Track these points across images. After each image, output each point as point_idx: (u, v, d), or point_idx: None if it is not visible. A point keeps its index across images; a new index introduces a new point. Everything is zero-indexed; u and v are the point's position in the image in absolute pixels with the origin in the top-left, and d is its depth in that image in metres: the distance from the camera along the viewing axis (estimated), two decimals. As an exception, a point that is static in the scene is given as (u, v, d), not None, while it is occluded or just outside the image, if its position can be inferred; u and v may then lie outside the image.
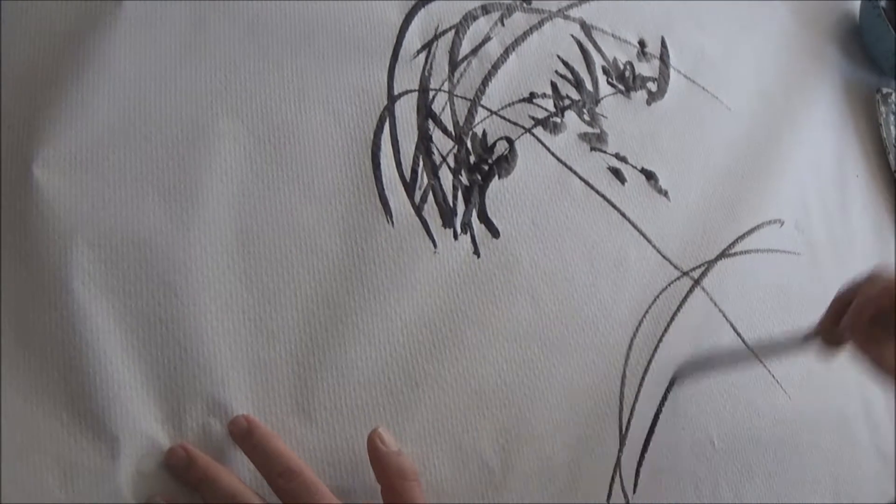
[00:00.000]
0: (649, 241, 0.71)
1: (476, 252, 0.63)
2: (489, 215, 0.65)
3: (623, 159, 0.73)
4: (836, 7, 1.02)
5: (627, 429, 0.64)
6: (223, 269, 0.56)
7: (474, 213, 0.64)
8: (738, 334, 0.72)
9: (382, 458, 0.52)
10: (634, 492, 0.63)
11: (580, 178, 0.70)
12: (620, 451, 0.63)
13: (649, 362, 0.67)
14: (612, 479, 0.62)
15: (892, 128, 0.97)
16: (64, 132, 0.54)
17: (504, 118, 0.69)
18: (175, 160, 0.57)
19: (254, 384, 0.54)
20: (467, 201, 0.64)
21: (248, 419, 0.51)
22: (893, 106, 0.99)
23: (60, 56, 0.56)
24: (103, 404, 0.49)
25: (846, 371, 0.74)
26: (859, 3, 1.01)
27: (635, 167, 0.73)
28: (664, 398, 0.67)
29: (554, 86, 0.72)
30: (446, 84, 0.67)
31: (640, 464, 0.64)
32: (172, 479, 0.49)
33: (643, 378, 0.66)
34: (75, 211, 0.52)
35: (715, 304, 0.71)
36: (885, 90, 0.98)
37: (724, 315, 0.72)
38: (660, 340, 0.68)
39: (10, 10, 0.56)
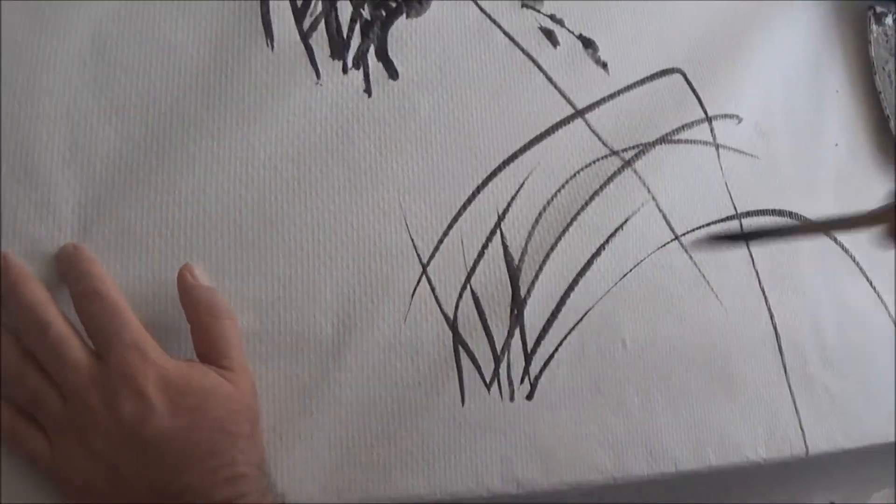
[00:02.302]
0: (576, 110, 0.62)
1: (367, 90, 0.56)
2: (389, 54, 0.57)
3: (559, 21, 0.65)
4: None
5: (521, 312, 0.56)
6: (70, 73, 0.50)
7: (372, 49, 0.57)
8: (669, 225, 0.63)
9: (191, 292, 0.46)
10: (522, 382, 0.55)
11: (504, 32, 0.62)
12: (510, 336, 0.55)
13: (558, 240, 0.59)
14: (496, 371, 0.54)
15: (882, 50, 0.87)
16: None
17: (424, -43, 0.60)
18: None
19: (84, 202, 0.49)
20: (365, 35, 0.57)
21: (76, 245, 0.46)
22: (888, 27, 0.89)
23: None
24: None
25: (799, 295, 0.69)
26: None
27: (572, 32, 0.65)
28: (573, 283, 0.58)
29: (489, -70, 0.64)
30: None
31: (531, 354, 0.55)
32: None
33: (548, 255, 0.58)
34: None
35: (647, 189, 0.63)
36: (878, 8, 0.89)
37: (655, 203, 0.63)
38: (574, 218, 0.60)
39: None
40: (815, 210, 0.72)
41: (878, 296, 0.76)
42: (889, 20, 0.88)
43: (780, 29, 0.78)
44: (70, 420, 0.41)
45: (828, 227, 0.66)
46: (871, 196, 0.76)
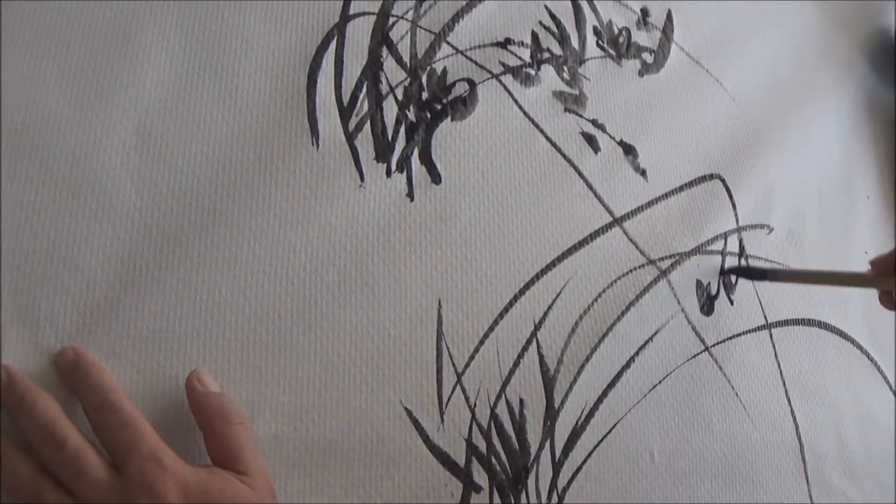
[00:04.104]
0: (615, 219, 0.62)
1: (410, 195, 0.56)
2: (433, 157, 0.57)
3: (601, 127, 0.65)
4: (872, 19, 0.93)
5: (554, 423, 0.56)
6: (115, 166, 0.49)
7: (416, 152, 0.57)
8: (699, 336, 0.63)
9: (200, 399, 0.46)
10: (549, 497, 0.54)
11: (546, 137, 0.62)
12: (541, 448, 0.55)
13: (593, 350, 0.59)
14: (524, 478, 0.54)
15: (915, 153, 0.88)
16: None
17: (470, 59, 0.61)
18: (93, 43, 0.52)
19: (117, 298, 0.48)
20: (410, 138, 0.57)
21: (76, 350, 0.45)
22: (920, 131, 0.90)
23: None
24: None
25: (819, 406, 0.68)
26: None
27: (613, 138, 0.65)
28: (604, 393, 0.58)
29: (535, 36, 0.65)
30: (411, 13, 0.60)
31: (560, 463, 0.55)
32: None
33: (582, 367, 0.58)
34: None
35: (678, 300, 0.62)
36: (911, 112, 0.89)
37: (685, 314, 0.63)
38: (610, 329, 0.59)
39: None
40: (843, 321, 0.72)
41: (901, 404, 0.76)
42: (920, 123, 0.88)
43: (815, 132, 0.79)
44: None
45: (840, 280, 0.68)
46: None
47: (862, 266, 0.72)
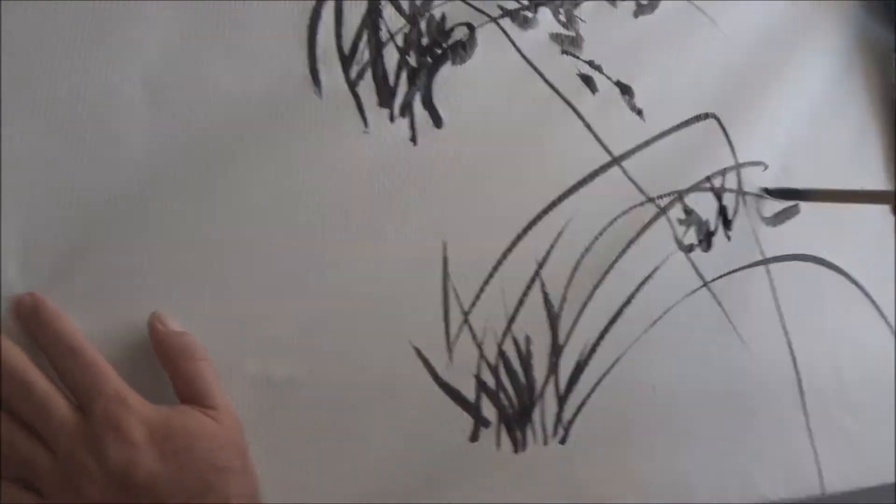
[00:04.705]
0: (613, 158, 0.63)
1: (413, 139, 0.57)
2: (434, 102, 0.58)
3: (597, 68, 0.66)
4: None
5: (559, 359, 0.57)
6: (123, 118, 0.50)
7: (418, 97, 0.58)
8: (698, 272, 0.64)
9: (163, 338, 0.46)
10: (556, 430, 0.56)
11: (545, 79, 0.63)
12: (546, 383, 0.57)
13: (595, 287, 0.60)
14: (530, 411, 0.56)
15: (908, 90, 0.89)
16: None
17: (469, 3, 0.62)
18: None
19: (132, 247, 0.48)
20: (411, 83, 0.58)
21: (35, 297, 0.45)
22: (912, 68, 0.91)
23: None
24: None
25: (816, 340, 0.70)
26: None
27: (610, 78, 0.66)
28: (606, 329, 0.60)
29: (531, -22, 0.65)
30: (408, -42, 0.60)
31: (564, 398, 0.57)
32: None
33: (585, 304, 0.59)
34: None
35: (676, 239, 0.64)
36: (905, 50, 0.90)
37: (684, 252, 0.64)
38: (611, 266, 0.61)
39: None
40: (840, 258, 0.74)
41: (896, 336, 0.78)
42: (913, 60, 0.89)
43: (807, 71, 0.80)
44: (62, 475, 0.42)
45: (866, 197, 0.72)
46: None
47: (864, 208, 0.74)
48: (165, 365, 0.46)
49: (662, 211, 0.65)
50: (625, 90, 0.67)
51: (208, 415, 0.45)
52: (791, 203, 0.74)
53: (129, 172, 0.49)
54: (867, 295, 0.77)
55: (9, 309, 0.44)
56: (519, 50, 0.63)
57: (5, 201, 0.45)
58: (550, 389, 0.58)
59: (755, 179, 0.72)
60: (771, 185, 0.72)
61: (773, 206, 0.73)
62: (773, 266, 0.71)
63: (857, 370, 0.75)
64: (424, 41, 0.59)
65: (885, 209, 0.79)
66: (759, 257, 0.70)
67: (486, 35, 0.62)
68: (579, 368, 0.59)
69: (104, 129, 0.48)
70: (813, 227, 0.75)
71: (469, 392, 0.56)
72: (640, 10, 0.70)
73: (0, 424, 0.42)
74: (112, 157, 0.49)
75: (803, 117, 0.78)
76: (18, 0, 0.48)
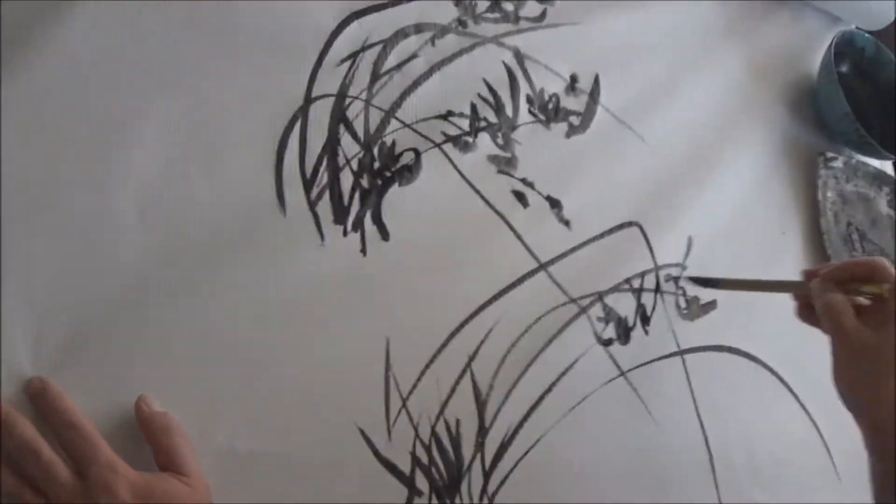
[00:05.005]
0: (540, 264, 0.74)
1: (363, 250, 0.68)
2: (382, 218, 0.69)
3: (530, 185, 0.77)
4: (793, 67, 1.05)
5: (484, 439, 0.68)
6: (118, 232, 0.60)
7: (368, 214, 0.69)
8: (616, 363, 0.75)
9: (147, 418, 0.57)
10: (481, 501, 0.67)
11: (482, 196, 0.74)
12: (473, 459, 0.67)
13: (519, 377, 0.70)
14: (458, 484, 0.66)
15: (831, 192, 0.99)
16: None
17: (416, 131, 0.73)
18: (96, 124, 0.60)
19: (124, 339, 0.59)
20: (363, 203, 0.69)
21: (42, 379, 0.55)
22: (837, 171, 1.01)
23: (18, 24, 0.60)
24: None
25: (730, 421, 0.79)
26: (818, 67, 1.03)
27: (541, 193, 0.77)
28: (528, 413, 0.70)
29: (473, 107, 0.76)
30: (364, 94, 0.72)
31: (489, 473, 0.68)
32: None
33: (510, 392, 0.70)
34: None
35: (595, 335, 0.74)
36: (829, 154, 1.00)
37: (602, 345, 0.75)
38: (534, 359, 0.71)
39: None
40: (758, 349, 0.84)
41: (808, 414, 0.87)
42: (838, 163, 0.99)
43: (729, 174, 0.91)
44: None
45: (777, 287, 0.81)
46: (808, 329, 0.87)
47: (775, 296, 0.84)
48: (148, 439, 0.57)
49: (583, 310, 0.75)
50: (554, 203, 0.77)
51: (183, 481, 0.55)
52: (709, 300, 0.84)
53: (123, 276, 0.59)
54: (778, 377, 0.87)
55: (21, 389, 0.55)
56: (459, 171, 0.74)
57: (18, 300, 0.56)
58: (477, 465, 0.68)
59: (675, 280, 0.82)
60: (690, 285, 0.82)
61: (690, 302, 0.83)
62: (688, 356, 0.81)
63: (767, 447, 0.84)
64: (376, 165, 0.70)
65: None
66: (675, 349, 0.80)
67: (431, 159, 0.73)
68: (503, 447, 0.69)
69: (102, 238, 0.59)
70: (727, 319, 0.85)
71: (405, 466, 0.66)
72: (572, 131, 0.81)
73: (11, 482, 0.52)
74: (109, 263, 0.59)
75: (723, 220, 0.88)
76: (26, 122, 0.58)
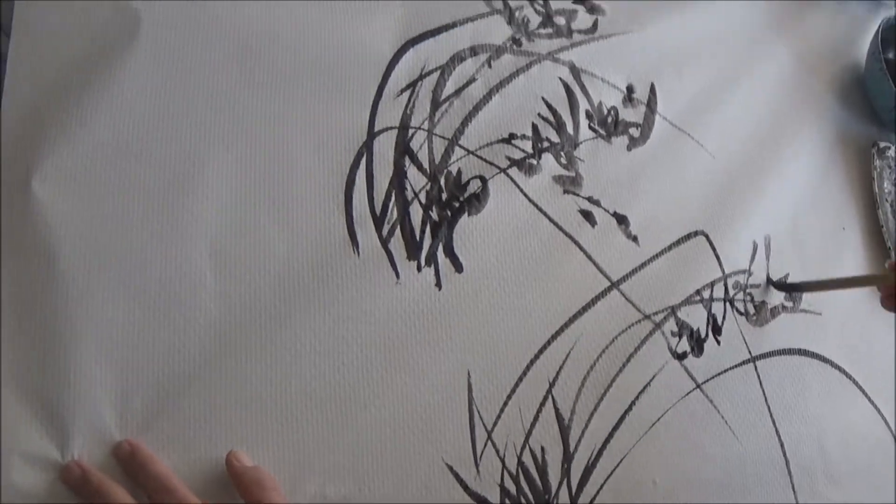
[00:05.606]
0: (612, 283, 0.74)
1: (438, 284, 0.67)
2: (455, 250, 0.69)
3: (596, 203, 0.76)
4: (840, 56, 1.03)
5: (570, 465, 0.68)
6: (195, 285, 0.60)
7: (440, 248, 0.68)
8: (691, 376, 0.74)
9: (239, 473, 0.56)
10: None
11: (549, 218, 0.73)
12: (559, 486, 0.67)
13: (600, 400, 0.70)
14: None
15: (886, 182, 0.98)
16: (62, 148, 0.58)
17: (480, 157, 0.72)
18: (162, 181, 0.61)
19: (209, 395, 0.59)
20: (434, 236, 0.68)
21: (131, 443, 0.55)
22: (890, 160, 1.00)
23: (66, 80, 0.61)
24: (63, 401, 0.54)
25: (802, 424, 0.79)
26: (865, 54, 1.02)
27: (607, 211, 0.76)
28: (610, 435, 0.70)
29: (535, 128, 0.76)
30: (426, 123, 0.71)
31: (576, 498, 0.67)
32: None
33: (591, 415, 0.70)
34: (65, 222, 0.57)
35: (669, 349, 0.74)
36: (882, 144, 0.99)
37: (677, 359, 0.74)
38: (613, 380, 0.71)
39: (21, 31, 0.61)
40: (828, 351, 0.84)
41: (880, 413, 0.87)
42: (891, 152, 0.98)
43: (787, 173, 0.90)
44: None
45: (858, 282, 0.82)
46: (877, 328, 0.87)
47: (840, 294, 0.83)
48: (242, 495, 0.56)
49: (657, 326, 0.75)
50: (621, 220, 0.77)
51: None
52: (776, 304, 0.84)
53: (203, 332, 0.60)
54: (850, 377, 0.86)
55: (109, 453, 0.55)
56: (526, 195, 0.73)
57: (100, 363, 0.56)
58: (564, 491, 0.68)
59: (744, 286, 0.81)
60: (758, 290, 0.82)
61: (759, 308, 0.83)
62: (759, 362, 0.81)
63: (841, 447, 0.84)
64: (444, 196, 0.70)
65: (862, 296, 0.89)
66: (748, 356, 0.80)
67: (497, 185, 0.72)
68: (588, 472, 0.69)
69: (179, 296, 0.59)
70: (795, 323, 0.84)
71: (495, 499, 0.66)
72: (632, 144, 0.81)
73: None
74: (188, 320, 0.59)
75: (786, 221, 0.87)
76: (88, 181, 0.59)
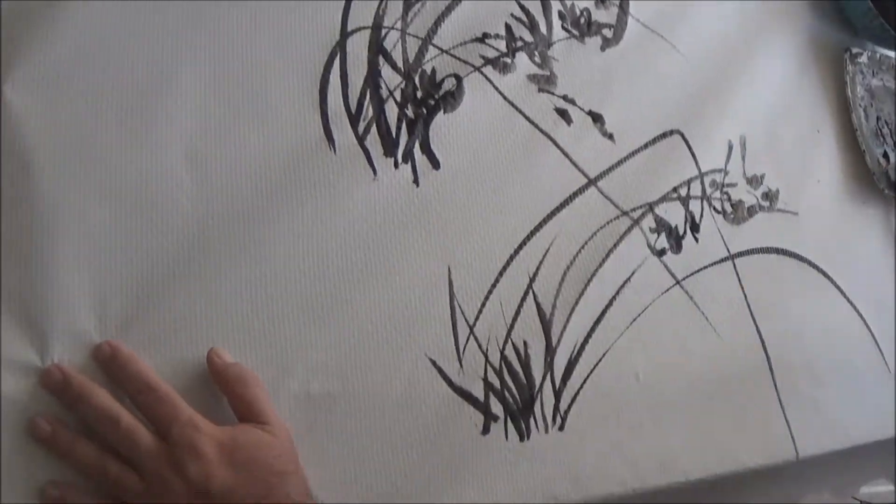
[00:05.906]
0: (590, 180, 0.74)
1: (416, 181, 0.67)
2: (431, 147, 0.68)
3: (571, 101, 0.76)
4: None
5: (553, 358, 0.68)
6: (170, 187, 0.59)
7: (417, 144, 0.68)
8: (671, 272, 0.75)
9: (221, 370, 0.56)
10: (554, 419, 0.67)
11: (525, 116, 0.73)
12: (543, 379, 0.67)
13: (580, 294, 0.70)
14: (532, 405, 0.66)
15: (859, 87, 0.98)
16: (35, 56, 0.57)
17: (454, 56, 0.72)
18: (136, 86, 0.60)
19: (188, 295, 0.59)
20: (411, 133, 0.68)
21: (111, 344, 0.54)
22: (863, 66, 1.00)
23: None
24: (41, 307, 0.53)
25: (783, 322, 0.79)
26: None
27: (583, 109, 0.76)
28: (592, 329, 0.70)
29: (508, 27, 0.75)
30: (399, 22, 0.70)
31: (560, 391, 0.68)
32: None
33: (573, 310, 0.70)
34: (39, 128, 0.56)
35: (648, 246, 0.74)
36: (854, 49, 0.99)
37: (657, 256, 0.75)
38: (593, 275, 0.71)
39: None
40: (805, 250, 0.84)
41: (857, 311, 0.88)
42: (864, 58, 0.98)
43: (761, 76, 0.90)
44: (150, 492, 0.51)
45: None
46: (854, 230, 0.87)
47: (816, 195, 0.83)
48: (225, 392, 0.56)
49: (635, 222, 0.75)
50: (596, 118, 0.77)
51: (265, 430, 0.55)
52: (752, 203, 0.84)
53: (181, 233, 0.59)
54: (826, 276, 0.87)
55: (90, 356, 0.54)
56: (501, 93, 0.73)
57: (79, 268, 0.55)
58: (548, 385, 0.68)
59: (719, 184, 0.81)
60: (735, 188, 0.82)
61: (736, 207, 0.83)
62: (738, 260, 0.81)
63: (822, 346, 0.85)
64: (419, 94, 0.69)
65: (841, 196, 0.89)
66: (726, 254, 0.80)
67: (472, 83, 0.72)
68: (571, 365, 0.69)
69: (155, 197, 0.59)
70: (772, 221, 0.85)
71: (479, 393, 0.66)
72: (605, 44, 0.80)
73: (92, 455, 0.51)
74: (165, 222, 0.59)
75: (761, 123, 0.87)
76: (62, 90, 0.57)
